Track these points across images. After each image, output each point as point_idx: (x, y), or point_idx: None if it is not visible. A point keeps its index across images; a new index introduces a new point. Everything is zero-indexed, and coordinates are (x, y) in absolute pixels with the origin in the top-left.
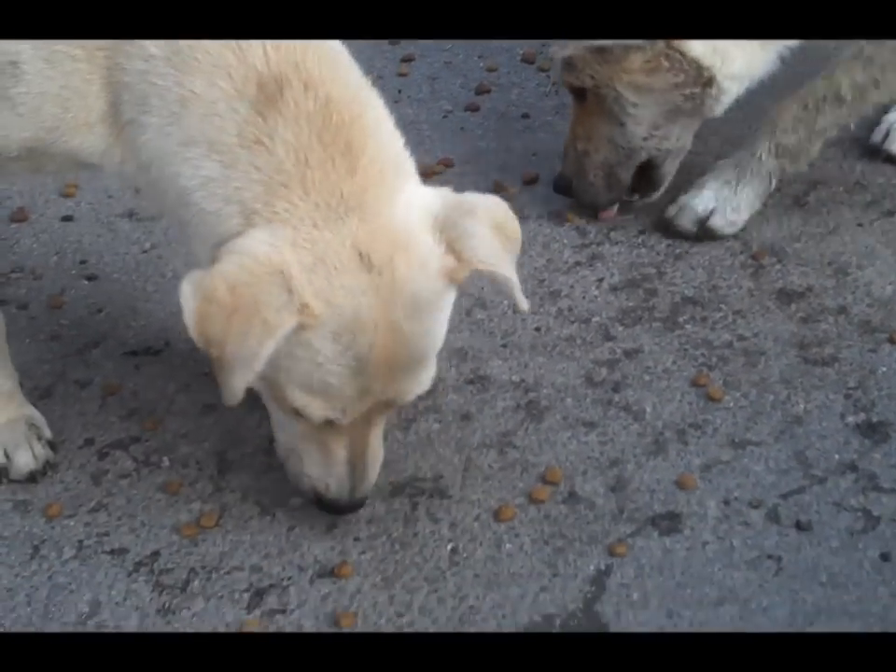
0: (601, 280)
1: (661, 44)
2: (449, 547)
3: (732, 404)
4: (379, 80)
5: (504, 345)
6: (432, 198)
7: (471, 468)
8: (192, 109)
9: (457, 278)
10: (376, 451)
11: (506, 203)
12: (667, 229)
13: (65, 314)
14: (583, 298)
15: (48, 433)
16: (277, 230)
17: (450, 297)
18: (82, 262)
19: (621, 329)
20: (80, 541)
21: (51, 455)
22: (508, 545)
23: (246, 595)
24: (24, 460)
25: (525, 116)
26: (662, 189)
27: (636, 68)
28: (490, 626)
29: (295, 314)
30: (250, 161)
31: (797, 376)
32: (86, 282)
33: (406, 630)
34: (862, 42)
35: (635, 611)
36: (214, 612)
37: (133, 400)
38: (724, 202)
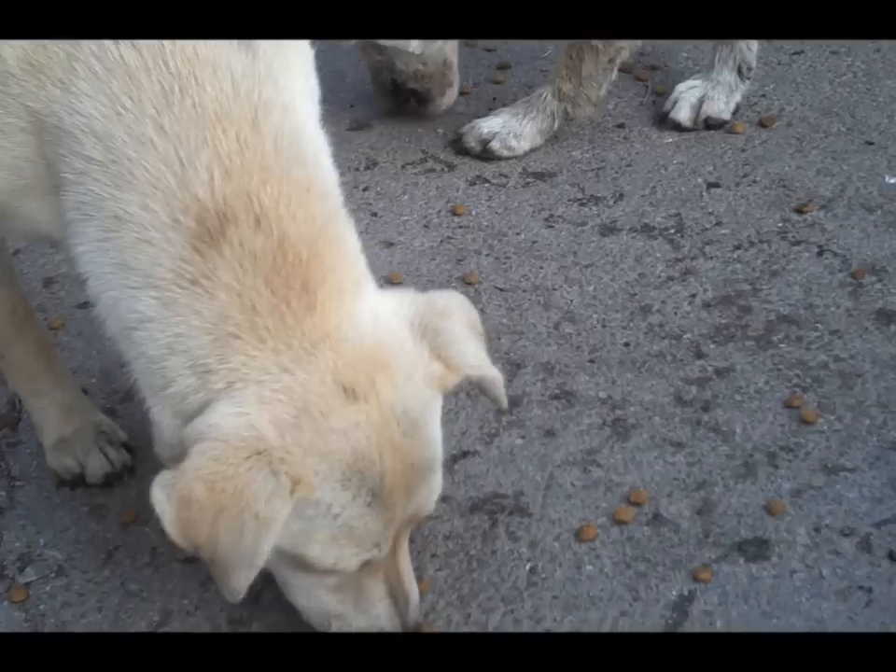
0: (694, 296)
1: None
2: (528, 567)
3: (826, 428)
4: (474, 88)
5: (592, 361)
6: (400, 303)
7: (553, 485)
8: (125, 231)
9: (446, 385)
10: (410, 571)
11: (466, 298)
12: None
13: None
14: (675, 314)
15: (122, 436)
16: (242, 392)
17: (439, 401)
18: None
19: (712, 346)
20: (154, 548)
21: (128, 458)
22: (588, 567)
23: None
24: (98, 464)
25: (621, 126)
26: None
27: None
28: None
29: (288, 497)
30: (189, 304)
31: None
32: None
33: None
34: None
35: None
36: (285, 624)
37: None
38: (508, 129)
